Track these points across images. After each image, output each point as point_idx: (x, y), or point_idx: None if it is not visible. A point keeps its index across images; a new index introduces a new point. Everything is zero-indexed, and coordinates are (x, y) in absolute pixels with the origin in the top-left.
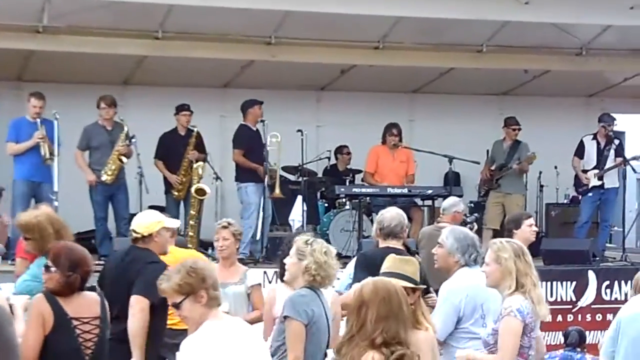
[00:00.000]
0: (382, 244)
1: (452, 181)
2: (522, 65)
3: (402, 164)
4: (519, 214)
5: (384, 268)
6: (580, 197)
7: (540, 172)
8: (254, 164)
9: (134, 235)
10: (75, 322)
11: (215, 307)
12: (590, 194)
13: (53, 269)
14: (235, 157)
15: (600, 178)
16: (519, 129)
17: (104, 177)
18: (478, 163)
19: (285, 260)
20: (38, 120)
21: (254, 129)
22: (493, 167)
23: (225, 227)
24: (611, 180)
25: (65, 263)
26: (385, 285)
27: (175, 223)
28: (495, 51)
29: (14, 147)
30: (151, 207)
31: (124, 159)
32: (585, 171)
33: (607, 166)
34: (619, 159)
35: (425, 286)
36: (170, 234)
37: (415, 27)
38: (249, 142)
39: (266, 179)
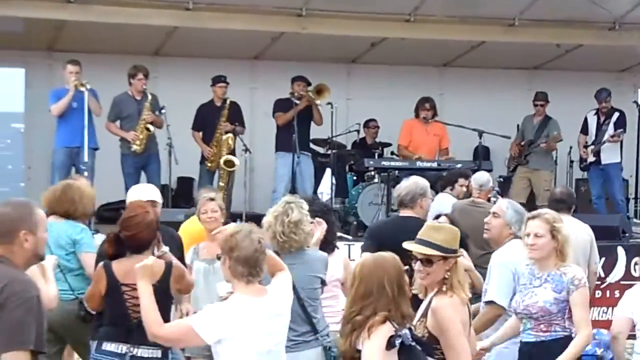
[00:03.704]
0: (400, 213)
1: (482, 155)
2: (554, 39)
3: (436, 137)
4: (456, 173)
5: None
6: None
7: (571, 148)
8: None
9: None
10: (124, 288)
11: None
12: (591, 170)
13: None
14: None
15: (597, 154)
16: (541, 105)
17: (134, 147)
18: (508, 137)
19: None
20: (82, 87)
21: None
22: (522, 143)
23: (212, 200)
24: (610, 155)
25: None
26: (376, 260)
27: (147, 196)
28: (527, 25)
29: (57, 106)
30: (180, 178)
31: (151, 127)
32: (587, 147)
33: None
34: (617, 132)
35: (457, 254)
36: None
37: (447, 0)
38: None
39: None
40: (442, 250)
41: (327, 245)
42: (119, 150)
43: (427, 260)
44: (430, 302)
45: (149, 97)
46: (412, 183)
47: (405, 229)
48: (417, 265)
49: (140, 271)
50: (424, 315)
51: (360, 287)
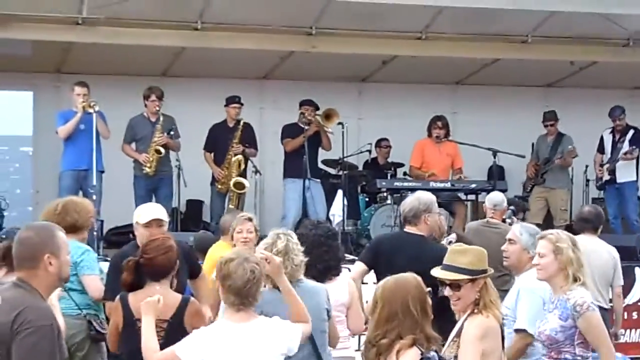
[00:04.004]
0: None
1: (496, 175)
2: (568, 56)
3: (449, 156)
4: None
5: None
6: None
7: (587, 166)
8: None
9: None
10: (139, 324)
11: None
12: (607, 189)
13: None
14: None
15: (612, 172)
16: (551, 124)
17: (145, 170)
18: (523, 157)
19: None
20: (90, 109)
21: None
22: (538, 162)
23: (250, 220)
24: (625, 174)
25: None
26: (398, 282)
27: (147, 217)
28: (541, 42)
29: (64, 128)
30: (190, 201)
31: (162, 150)
32: (602, 165)
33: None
34: (630, 149)
35: (486, 273)
36: (154, 229)
37: (459, 17)
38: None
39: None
40: (468, 273)
41: (331, 270)
42: (128, 173)
43: (456, 285)
44: (463, 323)
45: (161, 119)
46: (415, 199)
47: (403, 244)
48: (446, 291)
49: (145, 307)
50: (457, 335)
51: (384, 310)
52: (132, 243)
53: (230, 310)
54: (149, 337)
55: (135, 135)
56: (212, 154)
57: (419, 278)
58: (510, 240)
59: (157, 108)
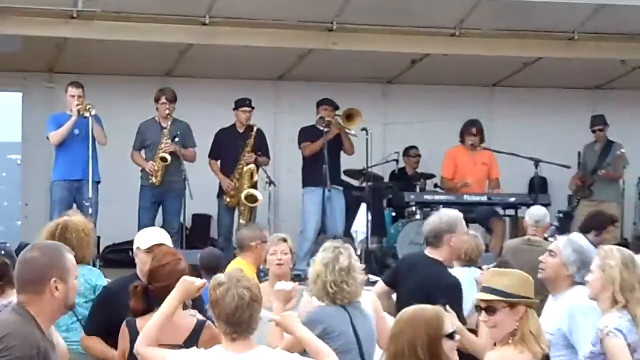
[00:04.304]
0: (426, 252)
1: (538, 188)
2: (618, 54)
3: (484, 166)
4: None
5: None
6: None
7: (639, 178)
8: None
9: None
10: None
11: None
12: None
13: None
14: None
15: None
16: (600, 129)
17: (152, 179)
18: (568, 167)
19: None
20: (85, 112)
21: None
22: (585, 173)
23: (285, 240)
24: None
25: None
26: (413, 315)
27: (149, 242)
28: (588, 39)
29: (56, 133)
30: (196, 216)
31: (167, 157)
32: None
33: None
34: None
35: (530, 300)
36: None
37: (497, 11)
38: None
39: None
40: (505, 296)
41: None
42: (128, 183)
43: (491, 309)
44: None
45: (169, 123)
46: (437, 218)
47: (417, 267)
48: (482, 316)
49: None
50: None
51: (391, 345)
52: (131, 276)
53: (225, 339)
54: (153, 325)
55: (145, 140)
56: (219, 163)
57: (442, 312)
58: (550, 251)
59: (168, 111)
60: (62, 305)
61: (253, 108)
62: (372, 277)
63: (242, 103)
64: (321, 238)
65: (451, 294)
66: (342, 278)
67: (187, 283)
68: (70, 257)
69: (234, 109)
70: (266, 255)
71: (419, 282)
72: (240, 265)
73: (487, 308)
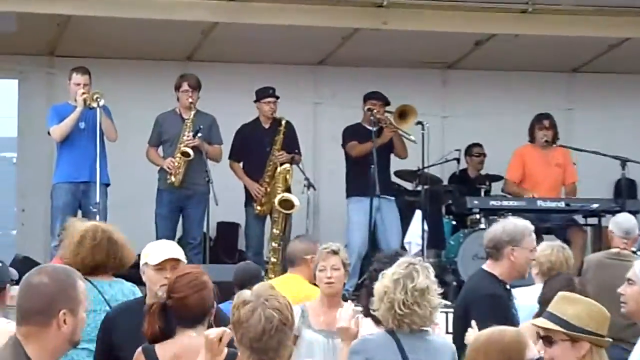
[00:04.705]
0: (484, 266)
1: (626, 192)
2: None
3: (559, 168)
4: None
5: None
6: None
7: None
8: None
9: None
10: None
11: None
12: None
13: None
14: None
15: None
16: None
17: (171, 179)
18: None
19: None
20: (92, 103)
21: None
22: None
23: (335, 253)
24: None
25: None
26: (489, 340)
27: (160, 257)
28: None
29: (59, 127)
30: (222, 224)
31: (190, 152)
32: None
33: None
34: None
35: (602, 338)
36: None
37: None
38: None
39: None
40: (567, 327)
41: None
42: (142, 186)
43: (548, 339)
44: None
45: (192, 114)
46: (500, 227)
47: (469, 280)
48: (538, 345)
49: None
50: None
51: None
52: (137, 300)
53: None
54: None
55: (162, 135)
56: (241, 164)
57: (522, 337)
58: (628, 280)
59: (191, 100)
60: (67, 341)
61: (277, 98)
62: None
63: (264, 93)
64: (380, 256)
65: (483, 307)
66: (414, 299)
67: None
68: (82, 286)
69: (255, 101)
70: (315, 270)
71: (461, 297)
72: (295, 282)
73: (545, 337)
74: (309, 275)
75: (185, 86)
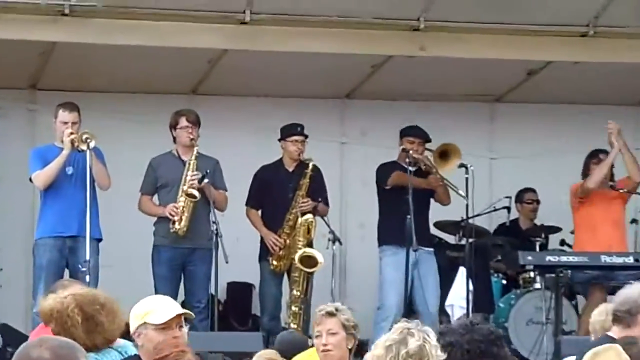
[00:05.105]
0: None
1: None
2: None
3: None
4: None
5: None
6: None
7: None
8: None
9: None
10: None
11: None
12: None
13: None
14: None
15: None
16: None
17: (174, 228)
18: None
19: None
20: (82, 145)
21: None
22: None
23: (331, 315)
24: None
25: None
26: None
27: (167, 314)
28: None
29: (42, 172)
30: (233, 285)
31: (196, 194)
32: None
33: None
34: None
35: None
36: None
37: None
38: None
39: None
40: None
41: None
42: (138, 242)
43: None
44: None
45: (192, 156)
46: (636, 289)
47: None
48: None
49: None
50: None
51: None
52: None
53: None
54: None
55: (158, 180)
56: (260, 213)
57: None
58: None
59: (191, 136)
60: None
61: (307, 137)
62: None
63: (291, 130)
64: (452, 328)
65: None
66: None
67: None
68: None
69: (280, 139)
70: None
71: None
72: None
73: None
74: None
75: (184, 122)
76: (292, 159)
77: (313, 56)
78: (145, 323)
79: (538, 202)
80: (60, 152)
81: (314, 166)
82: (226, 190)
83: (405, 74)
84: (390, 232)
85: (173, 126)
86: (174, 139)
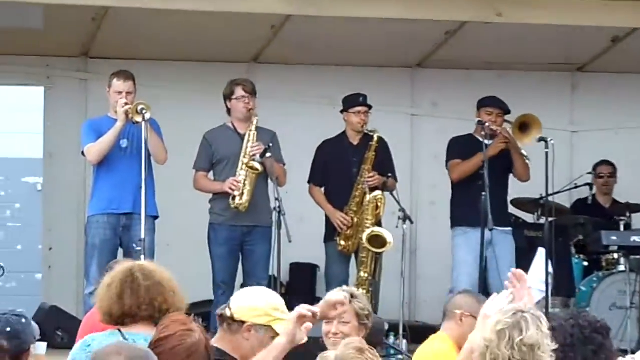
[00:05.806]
0: None
1: None
2: None
3: None
4: None
5: None
6: None
7: None
8: None
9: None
10: None
11: None
12: None
13: None
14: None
15: None
16: None
17: (235, 202)
18: None
19: None
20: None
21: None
22: None
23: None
24: None
25: None
26: None
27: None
28: None
29: (95, 145)
30: (296, 266)
31: (258, 166)
32: None
33: None
34: None
35: None
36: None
37: None
38: None
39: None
40: None
41: None
42: (196, 220)
43: None
44: None
45: (251, 127)
46: None
47: None
48: None
49: None
50: None
51: None
52: None
53: None
54: None
55: (214, 155)
56: (323, 190)
57: None
58: None
59: (249, 107)
60: None
61: (370, 107)
62: None
63: (354, 101)
64: (559, 315)
65: None
66: (522, 356)
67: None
68: None
69: (342, 111)
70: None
71: None
72: (441, 341)
73: None
74: (456, 336)
75: (240, 91)
76: (355, 132)
77: (382, 22)
78: (270, 327)
79: (611, 176)
80: (114, 124)
81: (379, 138)
82: (284, 165)
83: (480, 42)
84: (464, 211)
85: (228, 96)
86: (228, 110)
